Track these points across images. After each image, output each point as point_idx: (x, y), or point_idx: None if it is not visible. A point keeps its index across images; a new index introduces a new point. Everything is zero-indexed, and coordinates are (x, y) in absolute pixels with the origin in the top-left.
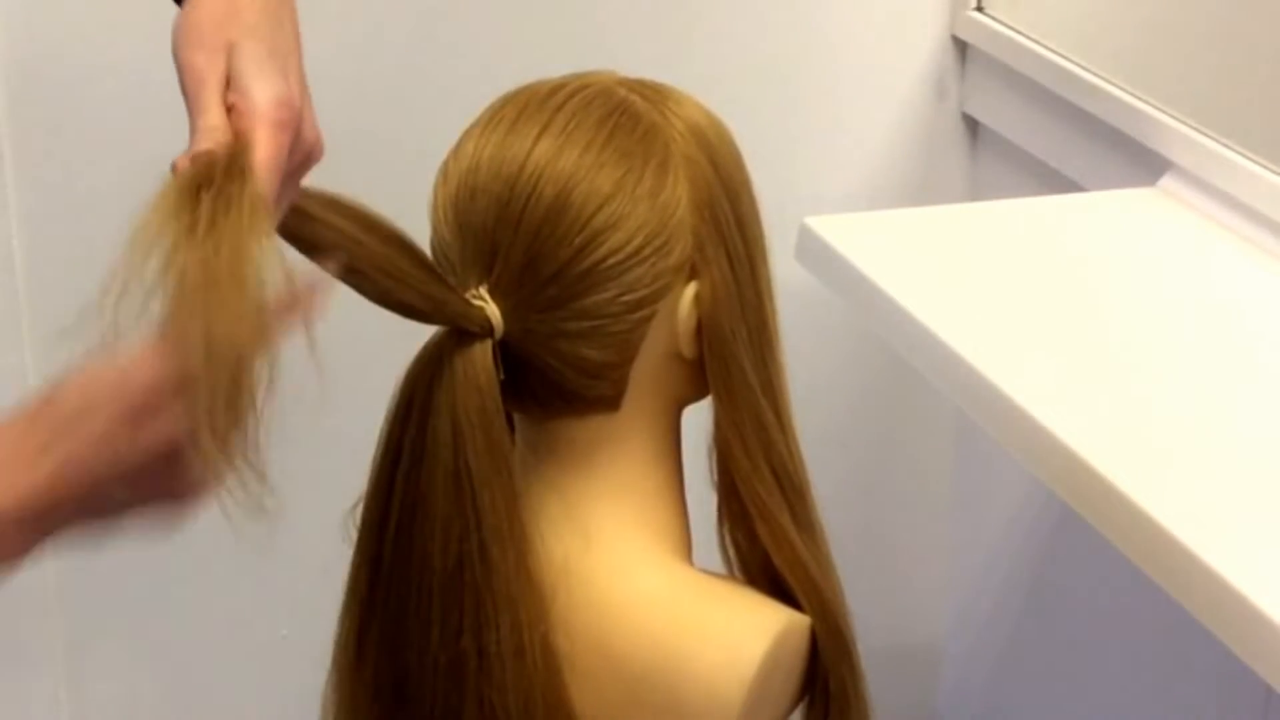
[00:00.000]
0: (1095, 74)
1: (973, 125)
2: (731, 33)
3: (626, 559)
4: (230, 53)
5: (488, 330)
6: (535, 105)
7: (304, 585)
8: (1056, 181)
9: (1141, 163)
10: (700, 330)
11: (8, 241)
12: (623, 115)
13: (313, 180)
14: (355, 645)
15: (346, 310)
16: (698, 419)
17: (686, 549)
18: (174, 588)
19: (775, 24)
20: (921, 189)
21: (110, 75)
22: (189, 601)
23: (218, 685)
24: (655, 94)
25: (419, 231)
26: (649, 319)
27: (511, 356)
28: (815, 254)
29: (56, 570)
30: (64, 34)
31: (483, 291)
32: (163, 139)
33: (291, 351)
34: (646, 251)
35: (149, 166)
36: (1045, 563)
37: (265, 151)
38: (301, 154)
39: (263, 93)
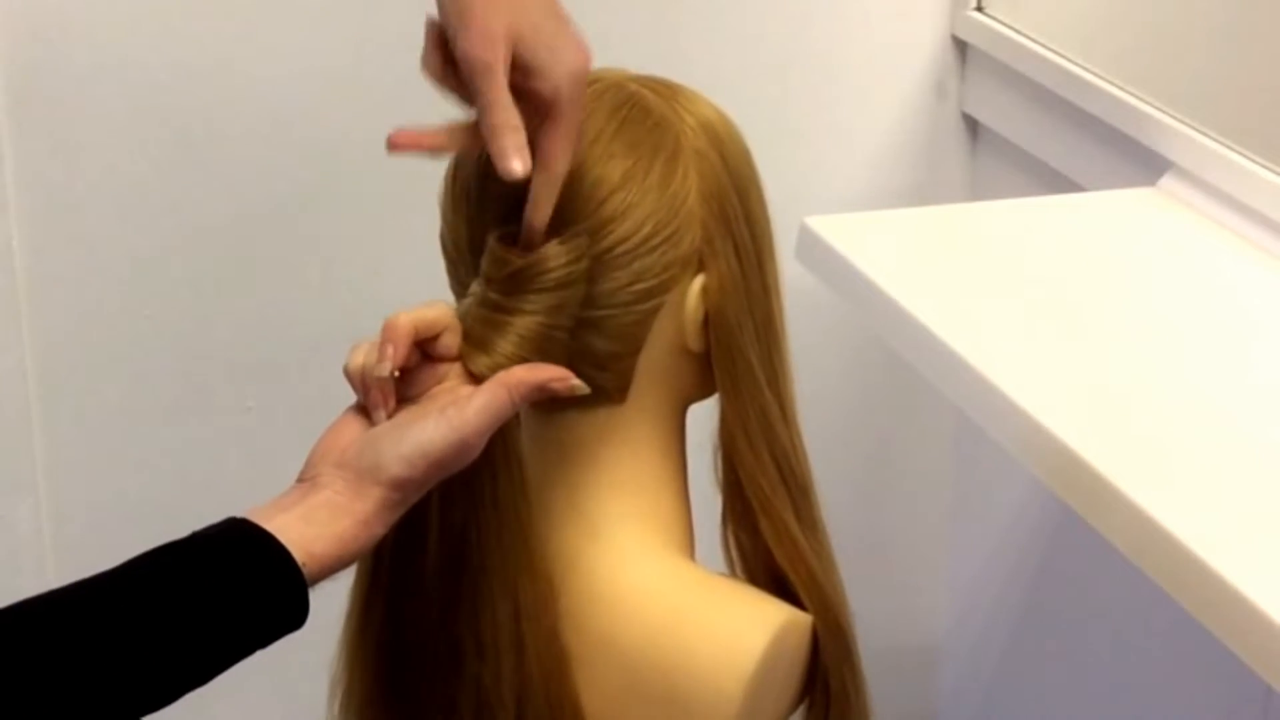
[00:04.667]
0: (1095, 74)
1: (973, 125)
2: (732, 33)
3: (629, 553)
4: (516, 42)
5: None
6: None
7: None
8: (1056, 181)
9: (1141, 163)
10: (707, 323)
11: (8, 241)
12: (633, 108)
13: (324, 181)
14: (359, 626)
15: (349, 306)
16: (700, 419)
17: (689, 545)
18: None
19: (775, 24)
20: (921, 189)
21: (110, 74)
22: None
23: (217, 684)
24: (666, 89)
25: (428, 225)
26: (656, 310)
27: None
28: (815, 254)
29: (56, 570)
30: (64, 34)
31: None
32: (163, 139)
33: (293, 347)
34: (655, 241)
35: (149, 166)
36: (1045, 563)
37: (563, 134)
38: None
39: (561, 75)
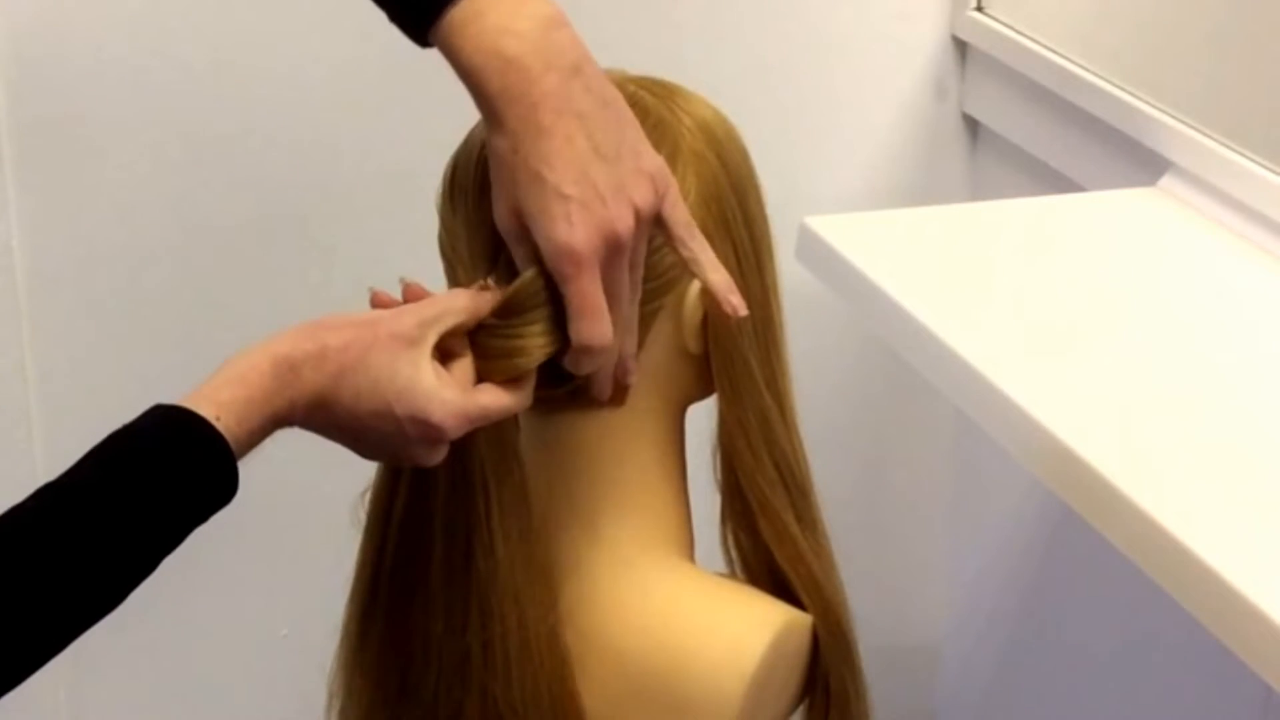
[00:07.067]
0: (1095, 74)
1: (973, 125)
2: (731, 33)
3: (629, 554)
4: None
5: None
6: None
7: (304, 585)
8: (1056, 181)
9: (1141, 163)
10: (706, 325)
11: (8, 241)
12: (631, 109)
13: (325, 181)
14: (358, 634)
15: (349, 306)
16: (700, 419)
17: (689, 547)
18: (174, 587)
19: (775, 24)
20: (921, 189)
21: (110, 74)
22: (189, 601)
23: (218, 685)
24: (664, 91)
25: (428, 226)
26: (655, 313)
27: None
28: (815, 254)
29: None
30: (64, 34)
31: (490, 281)
32: (163, 139)
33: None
34: (654, 243)
35: (149, 166)
36: (1045, 563)
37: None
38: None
39: (544, 245)
